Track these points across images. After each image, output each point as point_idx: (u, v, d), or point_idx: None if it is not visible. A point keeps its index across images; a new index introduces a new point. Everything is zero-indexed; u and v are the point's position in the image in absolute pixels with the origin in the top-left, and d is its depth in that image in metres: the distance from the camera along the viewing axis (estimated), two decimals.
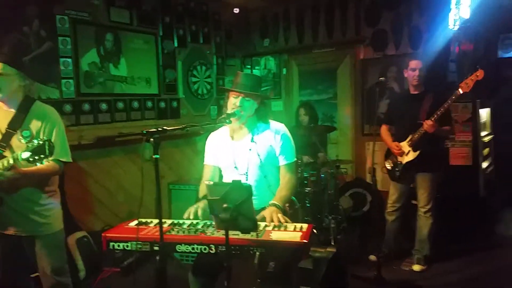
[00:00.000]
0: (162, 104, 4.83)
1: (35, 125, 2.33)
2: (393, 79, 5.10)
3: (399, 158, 3.72)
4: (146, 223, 2.19)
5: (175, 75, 4.98)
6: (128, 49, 4.43)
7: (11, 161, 2.12)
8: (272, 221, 2.09)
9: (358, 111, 5.32)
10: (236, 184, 1.76)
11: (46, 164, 2.21)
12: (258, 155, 2.38)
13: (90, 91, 4.11)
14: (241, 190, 1.75)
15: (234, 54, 5.89)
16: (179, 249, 1.92)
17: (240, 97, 2.38)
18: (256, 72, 5.97)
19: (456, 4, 4.92)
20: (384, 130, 3.94)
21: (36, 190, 2.39)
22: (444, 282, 3.45)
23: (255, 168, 2.40)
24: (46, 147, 2.03)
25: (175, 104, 4.99)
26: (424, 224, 3.73)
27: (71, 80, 3.93)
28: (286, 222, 2.09)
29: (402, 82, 4.93)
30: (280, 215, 2.12)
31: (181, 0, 5.03)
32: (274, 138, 2.43)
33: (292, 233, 1.93)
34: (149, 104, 4.68)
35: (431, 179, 3.68)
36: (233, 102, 2.41)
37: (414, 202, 3.93)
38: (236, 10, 5.69)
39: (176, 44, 4.97)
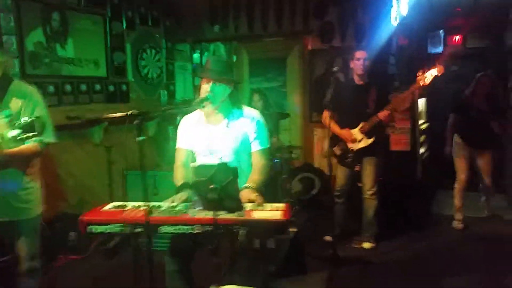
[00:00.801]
0: (111, 88, 4.68)
1: (15, 104, 2.21)
2: (339, 70, 5.35)
3: (350, 145, 3.94)
4: (122, 207, 2.17)
5: (124, 58, 4.83)
6: (75, 29, 4.22)
7: None
8: (249, 201, 2.16)
9: (306, 99, 5.53)
10: (222, 165, 1.82)
11: (27, 145, 2.12)
12: (234, 141, 2.44)
13: (36, 72, 3.87)
14: (227, 171, 1.81)
15: (184, 39, 5.82)
16: (163, 230, 1.93)
17: (211, 83, 2.41)
18: (206, 58, 5.97)
19: (397, 1, 5.28)
20: (326, 116, 4.05)
21: (18, 172, 2.29)
22: (392, 258, 3.76)
23: (230, 154, 2.45)
24: (36, 124, 1.93)
25: (124, 87, 4.85)
26: (370, 205, 4.01)
27: (15, 60, 3.68)
28: (263, 202, 2.18)
29: (347, 73, 5.20)
30: (256, 195, 2.20)
31: None
32: (249, 124, 2.49)
33: (271, 211, 2.02)
34: (97, 87, 4.51)
35: (376, 163, 3.96)
36: (205, 88, 2.43)
37: (359, 184, 4.20)
38: None
39: (124, 26, 4.82)
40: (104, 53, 4.56)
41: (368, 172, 3.96)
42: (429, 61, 8.24)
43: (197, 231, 1.92)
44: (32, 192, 2.39)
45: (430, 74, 3.64)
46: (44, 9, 3.92)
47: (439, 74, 3.68)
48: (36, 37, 3.86)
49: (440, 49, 8.66)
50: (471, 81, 4.44)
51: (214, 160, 2.39)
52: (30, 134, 1.92)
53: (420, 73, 3.72)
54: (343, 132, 3.94)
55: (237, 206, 1.87)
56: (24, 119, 1.95)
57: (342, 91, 4.00)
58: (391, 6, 5.22)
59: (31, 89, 2.34)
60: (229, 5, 5.79)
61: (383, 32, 5.16)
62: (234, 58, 5.88)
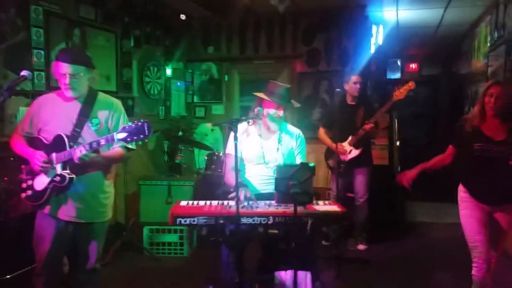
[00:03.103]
0: None
1: (102, 113, 2.47)
2: (324, 92, 5.94)
3: (342, 157, 4.46)
4: (197, 203, 2.50)
5: (131, 74, 5.08)
6: (92, 45, 4.45)
7: (103, 142, 2.25)
8: None
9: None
10: (304, 165, 2.21)
11: (118, 149, 2.38)
12: (283, 154, 2.85)
13: (57, 85, 4.04)
14: (307, 170, 2.21)
15: (180, 58, 6.15)
16: (243, 221, 2.28)
17: (276, 107, 2.79)
18: (198, 77, 6.33)
19: (376, 31, 5.98)
20: (322, 132, 4.62)
21: (101, 176, 2.51)
22: (385, 256, 4.29)
23: (278, 162, 2.85)
24: (145, 127, 2.18)
25: (130, 102, 5.09)
26: (362, 211, 4.54)
27: (42, 73, 3.86)
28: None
29: (332, 94, 5.80)
30: None
31: (140, 2, 5.17)
32: (295, 140, 2.92)
33: (329, 206, 2.44)
34: None
35: (367, 172, 4.52)
36: (274, 112, 2.80)
37: (349, 194, 4.71)
38: (183, 17, 5.96)
39: (132, 44, 5.09)
40: (115, 69, 4.80)
41: (360, 181, 4.50)
42: (387, 86, 9.15)
43: (270, 221, 2.30)
44: (109, 197, 2.63)
45: (404, 89, 4.24)
46: (68, 25, 4.13)
47: (413, 87, 4.28)
48: None
49: (398, 75, 9.62)
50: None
51: (265, 170, 2.78)
52: (137, 137, 2.20)
53: (396, 89, 4.34)
54: (334, 146, 4.43)
55: (309, 199, 2.26)
56: (132, 122, 2.22)
57: (335, 110, 4.54)
58: (371, 36, 5.92)
59: (116, 101, 2.63)
60: (222, 28, 6.22)
61: (363, 58, 5.83)
62: (226, 78, 6.27)
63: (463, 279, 2.92)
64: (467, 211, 2.86)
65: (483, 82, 5.58)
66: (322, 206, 2.40)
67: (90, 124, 2.48)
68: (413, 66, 9.47)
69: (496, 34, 5.04)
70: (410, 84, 4.20)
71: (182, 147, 5.21)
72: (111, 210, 2.67)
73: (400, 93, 4.22)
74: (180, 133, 5.24)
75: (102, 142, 2.30)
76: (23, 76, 2.30)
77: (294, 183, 2.17)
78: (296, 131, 2.98)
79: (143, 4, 5.24)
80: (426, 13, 6.14)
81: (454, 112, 7.61)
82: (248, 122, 2.75)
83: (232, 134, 3.00)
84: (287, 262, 2.41)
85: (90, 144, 2.31)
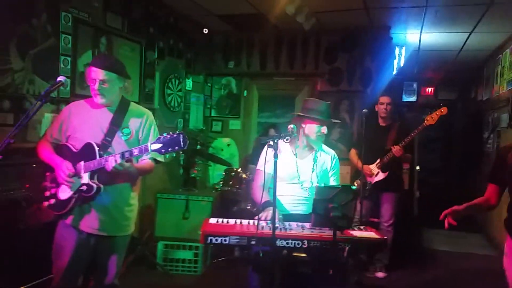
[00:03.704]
0: None
1: (133, 123, 2.41)
2: (345, 111, 5.87)
3: (368, 179, 4.37)
4: (225, 221, 2.41)
5: (153, 86, 5.05)
6: (118, 55, 4.42)
7: (136, 152, 2.20)
8: None
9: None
10: (345, 187, 2.13)
11: (147, 161, 2.31)
12: (317, 175, 2.76)
13: (83, 93, 4.01)
14: (348, 193, 2.12)
15: (200, 71, 6.13)
16: (278, 244, 2.19)
17: (319, 124, 2.72)
18: (217, 91, 6.29)
19: (399, 53, 5.94)
20: (353, 154, 4.59)
21: (128, 188, 2.44)
22: (404, 284, 4.15)
23: (312, 182, 2.76)
24: (181, 139, 2.11)
25: None
26: (386, 236, 4.41)
27: (68, 80, 3.82)
28: None
29: (353, 114, 5.73)
30: None
31: (164, 14, 5.17)
32: (330, 161, 2.84)
33: (366, 232, 2.34)
34: None
35: (394, 197, 4.40)
36: (317, 130, 2.72)
37: (371, 219, 4.58)
38: (205, 31, 5.96)
39: (156, 55, 5.07)
40: (138, 79, 4.76)
41: (386, 206, 4.39)
42: (402, 108, 9.09)
43: (305, 245, 2.21)
44: (134, 210, 2.55)
45: (436, 114, 4.15)
46: (95, 33, 4.12)
47: (445, 113, 4.19)
48: (86, 59, 4.03)
49: (413, 98, 9.57)
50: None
51: (298, 190, 2.69)
52: (171, 149, 2.13)
53: (428, 114, 4.24)
54: (363, 167, 4.36)
55: (348, 224, 2.17)
56: (167, 133, 2.14)
57: (367, 131, 4.46)
58: (395, 58, 5.88)
59: (148, 112, 2.57)
60: (243, 44, 6.20)
61: (386, 80, 5.78)
62: (245, 93, 6.23)
63: None
64: None
65: (506, 108, 5.51)
66: (359, 232, 2.31)
67: (121, 134, 2.43)
68: (429, 90, 9.42)
69: None
70: (442, 110, 4.10)
71: (199, 161, 5.14)
72: (133, 224, 2.58)
73: (431, 119, 4.12)
74: (198, 146, 5.17)
75: (136, 152, 2.23)
76: (60, 81, 2.26)
77: (334, 206, 2.09)
78: (331, 151, 2.90)
79: (166, 16, 5.24)
80: (448, 37, 6.10)
81: (470, 137, 7.52)
82: (286, 140, 2.67)
83: (265, 150, 2.95)
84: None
85: (123, 153, 2.25)
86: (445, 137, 9.49)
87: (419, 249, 5.16)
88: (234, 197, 4.49)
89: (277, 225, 2.38)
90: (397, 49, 5.97)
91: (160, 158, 2.48)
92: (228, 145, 5.91)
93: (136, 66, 4.74)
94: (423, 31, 5.81)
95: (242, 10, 5.08)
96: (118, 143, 2.40)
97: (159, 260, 4.07)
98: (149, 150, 2.18)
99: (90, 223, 2.40)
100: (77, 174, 2.33)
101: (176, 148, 2.12)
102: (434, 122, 4.11)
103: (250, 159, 5.47)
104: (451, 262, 4.88)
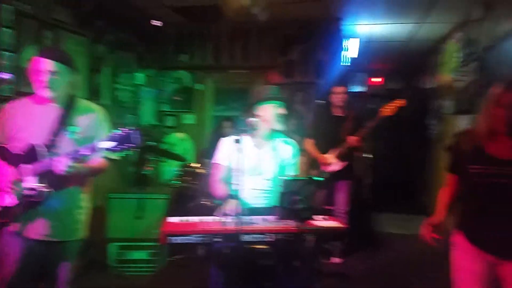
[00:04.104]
0: None
1: (82, 121, 2.28)
2: (300, 103, 5.92)
3: (324, 168, 4.43)
4: (187, 220, 2.36)
5: (102, 81, 4.84)
6: (64, 49, 4.20)
7: (87, 152, 2.08)
8: None
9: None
10: (310, 179, 2.13)
11: (101, 160, 2.20)
12: (277, 164, 2.74)
13: (27, 90, 3.76)
14: (313, 185, 2.12)
15: (152, 65, 5.95)
16: (243, 239, 2.15)
17: (279, 111, 2.68)
18: (169, 85, 6.15)
19: (350, 46, 6.07)
20: (309, 144, 4.58)
21: (78, 190, 2.30)
22: (360, 269, 4.28)
23: (272, 174, 2.74)
24: (135, 135, 2.01)
25: None
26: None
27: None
28: None
29: (308, 105, 5.80)
30: None
31: (113, 5, 4.95)
32: (290, 151, 2.81)
33: (328, 222, 2.36)
34: None
35: (349, 185, 4.50)
36: (275, 111, 2.65)
37: (326, 207, 4.66)
38: (156, 23, 5.78)
39: (104, 49, 4.86)
40: (86, 75, 4.55)
41: (341, 194, 4.48)
42: (353, 98, 9.29)
43: (269, 239, 2.20)
44: (85, 213, 2.41)
45: (394, 105, 4.27)
46: (40, 27, 3.87)
47: (403, 104, 4.32)
48: (29, 54, 3.78)
49: (363, 88, 9.84)
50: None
51: (260, 182, 2.65)
52: (123, 147, 2.02)
53: (385, 105, 4.36)
54: (319, 157, 4.41)
55: (311, 215, 2.18)
56: (119, 131, 2.04)
57: (322, 121, 4.52)
58: (346, 49, 6.00)
59: (98, 108, 2.43)
60: (196, 36, 6.07)
61: (339, 71, 5.88)
62: (198, 87, 6.13)
63: None
64: (460, 262, 2.11)
65: (451, 96, 5.78)
66: (322, 222, 2.32)
67: (69, 132, 2.26)
68: (378, 80, 9.71)
69: (467, 51, 5.22)
70: (399, 101, 4.21)
71: (153, 158, 5.00)
72: (85, 227, 2.44)
73: (388, 110, 4.23)
74: (152, 142, 5.03)
75: (86, 152, 2.10)
76: (4, 78, 2.09)
77: (300, 198, 2.08)
78: (292, 141, 2.88)
79: (116, 8, 5.02)
80: (398, 28, 6.28)
81: (417, 125, 7.84)
82: (247, 132, 2.63)
83: (224, 143, 2.89)
84: (284, 280, 2.30)
85: (73, 154, 2.11)
86: (393, 125, 9.84)
87: (373, 234, 5.32)
88: (190, 193, 4.41)
89: (244, 220, 2.35)
90: (349, 41, 6.07)
91: (114, 156, 2.30)
92: (182, 140, 5.78)
93: (84, 60, 4.53)
94: (374, 22, 5.95)
95: (196, 1, 4.97)
96: (67, 143, 2.24)
97: (112, 262, 3.92)
98: (101, 149, 2.06)
99: (38, 229, 2.24)
100: (22, 179, 2.17)
101: (130, 145, 2.02)
102: (391, 113, 4.22)
103: (206, 153, 5.40)
104: (404, 245, 5.06)
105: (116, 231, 3.95)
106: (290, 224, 2.22)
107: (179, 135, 5.72)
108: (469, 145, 2.07)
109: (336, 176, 4.42)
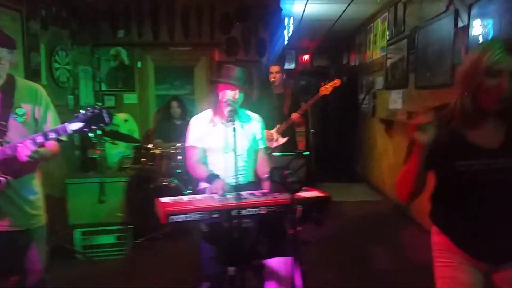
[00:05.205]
0: None
1: (26, 101, 2.14)
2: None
3: (268, 143, 4.61)
4: (181, 199, 2.38)
5: (39, 60, 4.49)
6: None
7: (52, 135, 1.95)
8: None
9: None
10: (299, 154, 2.26)
11: (55, 143, 2.10)
12: (247, 140, 2.82)
13: None
14: (301, 159, 2.26)
15: (86, 42, 5.61)
16: (236, 213, 2.23)
17: (237, 90, 2.74)
18: (105, 63, 5.86)
19: (288, 23, 6.24)
20: None
21: (32, 176, 2.18)
22: (312, 236, 4.57)
23: (245, 150, 2.83)
24: (105, 114, 1.93)
25: None
26: None
27: None
28: None
29: (251, 84, 5.90)
30: None
31: None
32: (256, 125, 2.92)
33: (312, 192, 2.53)
34: None
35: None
36: (228, 93, 2.74)
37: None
38: None
39: (38, 26, 4.49)
40: (21, 53, 4.19)
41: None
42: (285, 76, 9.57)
43: (263, 211, 2.31)
44: (41, 198, 2.30)
45: (330, 85, 4.57)
46: None
47: (338, 84, 4.64)
48: None
49: (292, 65, 10.17)
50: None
51: (231, 157, 2.71)
52: (95, 126, 1.93)
53: (322, 84, 4.65)
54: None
55: (300, 187, 2.31)
56: (89, 110, 1.94)
57: (263, 99, 4.67)
58: (285, 27, 6.16)
59: (38, 86, 2.26)
60: (131, 11, 5.82)
61: (279, 49, 6.05)
62: (139, 64, 5.93)
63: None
64: (446, 270, 1.72)
65: (381, 72, 6.25)
66: (306, 193, 2.48)
67: (15, 116, 2.10)
68: (306, 57, 10.10)
69: (394, 30, 5.66)
70: (335, 81, 4.51)
71: (96, 140, 4.79)
72: (45, 213, 2.33)
73: (325, 89, 4.53)
74: None
75: (52, 135, 1.98)
76: None
77: (290, 172, 2.21)
78: (255, 115, 2.98)
79: None
80: (329, 8, 6.57)
81: (346, 100, 8.34)
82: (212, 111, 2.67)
83: (195, 125, 2.89)
84: (275, 250, 2.44)
85: (34, 138, 1.97)
86: (321, 101, 10.36)
87: None
88: (148, 175, 4.34)
89: (229, 196, 2.42)
90: (286, 19, 6.24)
91: (64, 138, 2.16)
92: (126, 120, 5.58)
93: (18, 38, 4.16)
94: (308, 2, 6.17)
95: None
96: (15, 127, 2.09)
97: (78, 248, 3.78)
98: (69, 131, 1.97)
99: (0, 219, 2.12)
100: None
101: (100, 125, 1.96)
102: (328, 93, 4.53)
103: (154, 133, 5.31)
104: (349, 210, 5.49)
105: (79, 216, 3.80)
106: (280, 197, 2.35)
107: (122, 115, 5.50)
108: (445, 133, 1.56)
109: (278, 150, 4.62)
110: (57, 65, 4.82)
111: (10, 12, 4.02)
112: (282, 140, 4.58)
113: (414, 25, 4.96)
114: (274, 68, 4.70)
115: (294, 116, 4.51)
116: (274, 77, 4.67)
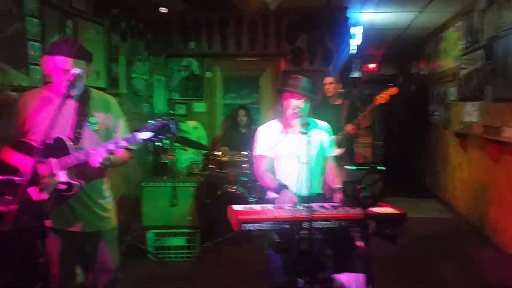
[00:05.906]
0: None
1: (99, 111, 2.29)
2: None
3: None
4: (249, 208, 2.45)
5: (119, 70, 4.81)
6: (83, 39, 4.14)
7: (123, 143, 2.07)
8: None
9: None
10: (373, 168, 2.23)
11: (123, 151, 2.22)
12: (314, 148, 2.82)
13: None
14: (376, 173, 2.23)
15: (160, 53, 5.92)
16: (307, 225, 2.24)
17: (303, 99, 2.78)
18: (177, 73, 6.13)
19: (354, 33, 6.18)
20: None
21: (101, 181, 2.32)
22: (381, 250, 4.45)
23: (314, 158, 2.83)
24: (172, 125, 2.01)
25: (117, 99, 4.79)
26: None
27: (39, 67, 3.52)
28: None
29: (316, 93, 5.89)
30: None
31: None
32: (324, 134, 2.92)
33: (385, 208, 2.48)
34: None
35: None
36: (295, 103, 2.78)
37: None
38: (162, 10, 5.71)
39: (119, 38, 4.81)
40: (103, 64, 4.51)
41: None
42: (349, 84, 9.50)
43: (333, 225, 2.31)
44: (111, 202, 2.42)
45: (386, 93, 4.41)
46: (62, 16, 3.81)
47: (395, 93, 4.46)
48: None
49: (358, 74, 10.01)
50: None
51: (299, 165, 2.72)
52: (163, 136, 2.00)
53: (377, 94, 4.49)
54: None
55: (373, 203, 2.29)
56: (155, 120, 2.02)
57: (320, 110, 4.62)
58: (351, 37, 6.10)
59: (111, 97, 2.42)
60: (201, 23, 6.05)
61: (345, 58, 6.00)
62: (208, 74, 6.14)
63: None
64: None
65: (453, 83, 5.99)
66: (379, 209, 2.44)
67: (89, 124, 2.24)
68: (372, 66, 9.90)
69: (470, 39, 5.40)
70: (392, 89, 4.35)
71: (167, 147, 5.02)
72: (115, 216, 2.46)
73: (381, 98, 4.35)
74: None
75: (123, 143, 2.08)
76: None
77: (362, 187, 2.19)
78: (323, 123, 2.98)
79: None
80: (398, 16, 6.42)
81: (414, 110, 8.04)
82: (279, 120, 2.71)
83: (264, 135, 2.94)
84: (345, 264, 2.43)
85: (106, 146, 2.09)
86: (386, 110, 10.08)
87: None
88: (216, 181, 4.48)
89: (299, 207, 2.44)
90: (353, 29, 6.18)
91: (134, 147, 2.27)
92: (195, 128, 5.80)
93: (101, 50, 4.48)
94: (376, 11, 6.06)
95: None
96: (88, 135, 2.23)
97: (150, 249, 3.99)
98: (138, 140, 2.04)
99: (72, 222, 2.25)
100: (54, 173, 2.11)
101: (168, 135, 2.02)
102: (384, 101, 4.34)
103: (221, 141, 5.45)
104: (418, 227, 5.27)
105: (152, 218, 4.02)
106: (352, 211, 2.33)
107: (191, 123, 5.73)
108: None
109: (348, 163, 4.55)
110: (134, 75, 5.12)
111: (95, 26, 4.35)
112: (337, 152, 4.49)
113: (492, 34, 4.70)
114: (328, 80, 4.66)
115: (349, 127, 4.43)
116: (328, 88, 4.61)
